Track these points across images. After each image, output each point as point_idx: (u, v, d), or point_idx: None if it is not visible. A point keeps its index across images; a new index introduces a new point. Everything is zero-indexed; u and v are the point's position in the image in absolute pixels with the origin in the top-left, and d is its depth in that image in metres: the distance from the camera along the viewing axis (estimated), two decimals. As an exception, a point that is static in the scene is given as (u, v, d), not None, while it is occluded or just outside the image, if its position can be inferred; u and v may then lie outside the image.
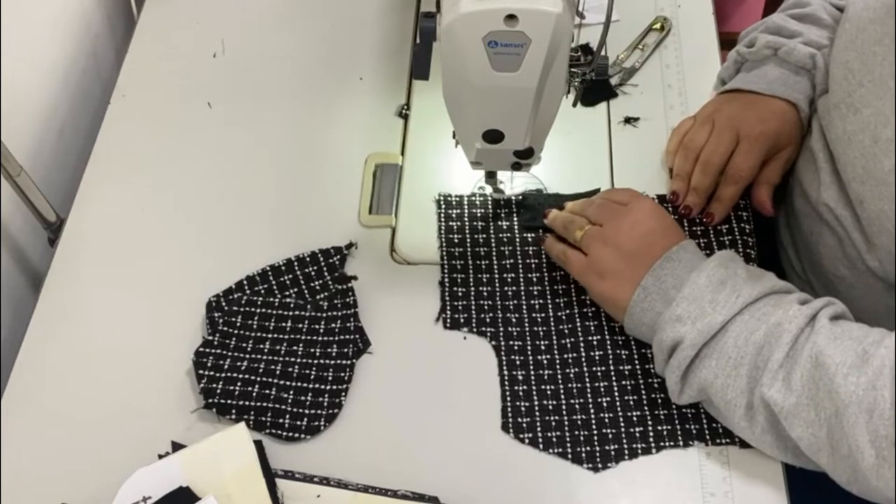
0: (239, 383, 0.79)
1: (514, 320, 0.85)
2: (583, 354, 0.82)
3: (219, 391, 0.79)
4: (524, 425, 0.79)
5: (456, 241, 0.90)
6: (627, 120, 0.98)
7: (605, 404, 0.80)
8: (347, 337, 0.83)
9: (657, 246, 0.79)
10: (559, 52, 0.70)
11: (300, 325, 0.84)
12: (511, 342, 0.83)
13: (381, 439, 0.79)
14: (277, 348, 0.83)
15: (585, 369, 0.82)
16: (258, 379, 0.80)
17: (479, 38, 0.69)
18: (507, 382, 0.81)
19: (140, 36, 1.08)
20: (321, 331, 0.84)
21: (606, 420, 0.79)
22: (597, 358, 0.82)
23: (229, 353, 0.82)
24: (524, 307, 0.85)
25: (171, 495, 0.72)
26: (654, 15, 1.06)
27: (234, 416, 0.78)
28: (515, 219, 0.91)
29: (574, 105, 0.83)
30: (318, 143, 0.99)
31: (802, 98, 0.89)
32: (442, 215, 0.91)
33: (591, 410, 0.79)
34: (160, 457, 0.75)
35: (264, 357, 0.82)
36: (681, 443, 0.77)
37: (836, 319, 0.72)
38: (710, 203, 0.90)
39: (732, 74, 0.96)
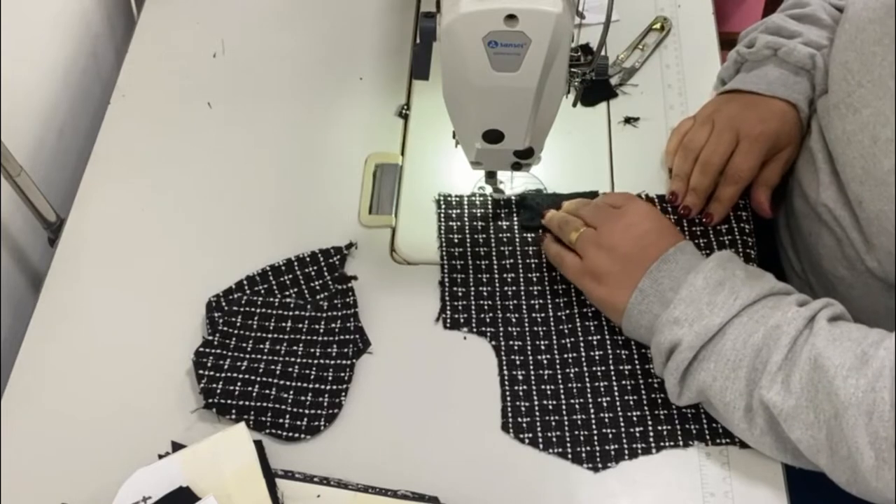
0: (239, 383, 0.79)
1: (514, 320, 0.85)
2: (583, 354, 0.82)
3: (219, 391, 0.79)
4: (524, 425, 0.79)
5: (456, 241, 0.90)
6: (627, 120, 0.98)
7: (605, 404, 0.80)
8: (347, 337, 0.83)
9: (653, 248, 0.79)
10: (559, 52, 0.70)
11: (300, 325, 0.84)
12: (511, 342, 0.83)
13: (381, 439, 0.79)
14: (277, 348, 0.83)
15: (585, 369, 0.82)
16: (258, 379, 0.80)
17: (479, 38, 0.69)
18: (507, 382, 0.81)
19: (140, 36, 1.08)
20: (321, 331, 0.84)
21: (606, 420, 0.79)
22: (597, 358, 0.82)
23: (229, 353, 0.82)
24: (524, 307, 0.85)
25: (171, 495, 0.72)
26: (654, 15, 1.06)
27: (234, 416, 0.78)
28: (515, 219, 0.91)
29: (574, 105, 0.83)
30: (318, 143, 0.99)
31: (802, 98, 0.89)
32: (442, 215, 0.91)
33: (591, 410, 0.79)
34: (160, 457, 0.75)
35: (264, 357, 0.82)
36: (681, 443, 0.77)
37: (834, 321, 0.72)
38: (710, 203, 0.89)
39: (732, 75, 0.96)
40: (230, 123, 1.00)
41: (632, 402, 0.80)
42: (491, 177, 0.89)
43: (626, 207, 0.83)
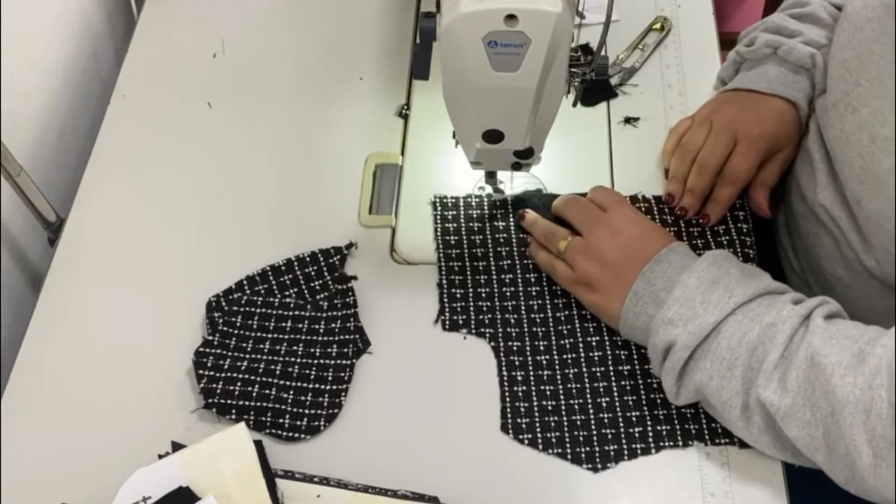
0: (239, 383, 0.79)
1: (512, 321, 0.85)
2: (582, 355, 0.82)
3: (219, 391, 0.79)
4: (524, 426, 0.79)
5: (453, 242, 0.90)
6: (627, 120, 0.98)
7: (604, 404, 0.80)
8: (347, 337, 0.83)
9: (640, 252, 0.79)
10: (559, 52, 0.70)
11: (300, 325, 0.85)
12: (510, 343, 0.83)
13: (381, 439, 0.79)
14: (277, 348, 0.83)
15: (585, 370, 0.82)
16: (258, 379, 0.80)
17: (479, 38, 0.69)
18: (506, 383, 0.81)
19: (140, 36, 1.08)
20: (321, 331, 0.84)
21: (606, 420, 0.79)
22: (596, 358, 0.82)
23: (229, 353, 0.82)
24: (523, 308, 0.85)
25: (171, 495, 0.72)
26: (654, 15, 1.06)
27: (234, 416, 0.78)
28: (512, 219, 0.91)
29: (574, 105, 0.83)
30: (318, 143, 0.99)
31: (802, 97, 0.89)
32: (438, 217, 0.91)
33: (591, 411, 0.79)
34: (160, 457, 0.75)
35: (264, 357, 0.82)
36: (680, 443, 0.77)
37: (830, 318, 0.72)
38: (707, 204, 0.89)
39: (732, 74, 0.96)
40: (230, 123, 1.00)
41: (631, 403, 0.80)
42: (491, 177, 0.89)
43: (610, 212, 0.83)
